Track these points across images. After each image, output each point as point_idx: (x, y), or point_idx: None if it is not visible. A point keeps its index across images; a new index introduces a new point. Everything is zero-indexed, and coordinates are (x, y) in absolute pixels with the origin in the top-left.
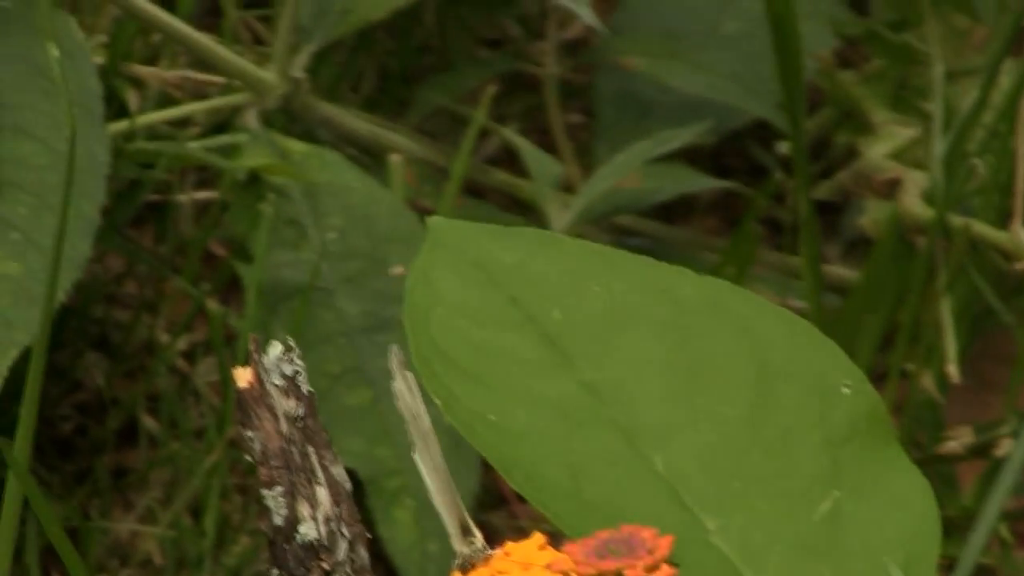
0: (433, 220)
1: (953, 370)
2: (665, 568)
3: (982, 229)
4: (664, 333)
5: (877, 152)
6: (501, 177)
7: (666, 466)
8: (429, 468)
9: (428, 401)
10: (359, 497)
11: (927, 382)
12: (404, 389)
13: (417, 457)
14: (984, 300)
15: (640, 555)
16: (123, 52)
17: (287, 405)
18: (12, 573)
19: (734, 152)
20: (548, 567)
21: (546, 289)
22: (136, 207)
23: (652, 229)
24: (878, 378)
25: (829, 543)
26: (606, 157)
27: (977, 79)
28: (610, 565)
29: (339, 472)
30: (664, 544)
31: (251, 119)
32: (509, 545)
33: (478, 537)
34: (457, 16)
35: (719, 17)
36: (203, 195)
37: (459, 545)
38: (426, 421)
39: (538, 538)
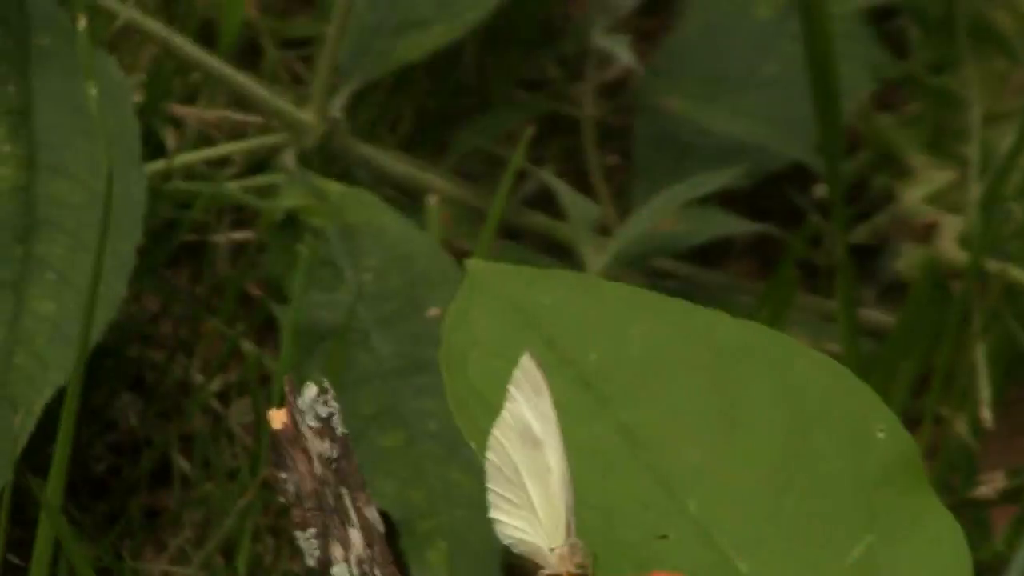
0: (471, 262)
1: (987, 415)
2: None
3: (1018, 274)
4: (700, 377)
5: (914, 196)
6: (538, 219)
7: (700, 509)
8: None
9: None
10: (392, 539)
11: (961, 427)
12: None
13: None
14: (1019, 345)
15: None
16: (162, 91)
17: (321, 447)
18: None
19: (771, 195)
20: None
21: (583, 332)
22: (172, 247)
23: (688, 272)
24: (912, 422)
25: None
26: (643, 200)
27: (1015, 122)
28: None
29: (372, 514)
30: None
31: (289, 159)
32: None
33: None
34: (496, 57)
35: (758, 60)
36: (240, 236)
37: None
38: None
39: None
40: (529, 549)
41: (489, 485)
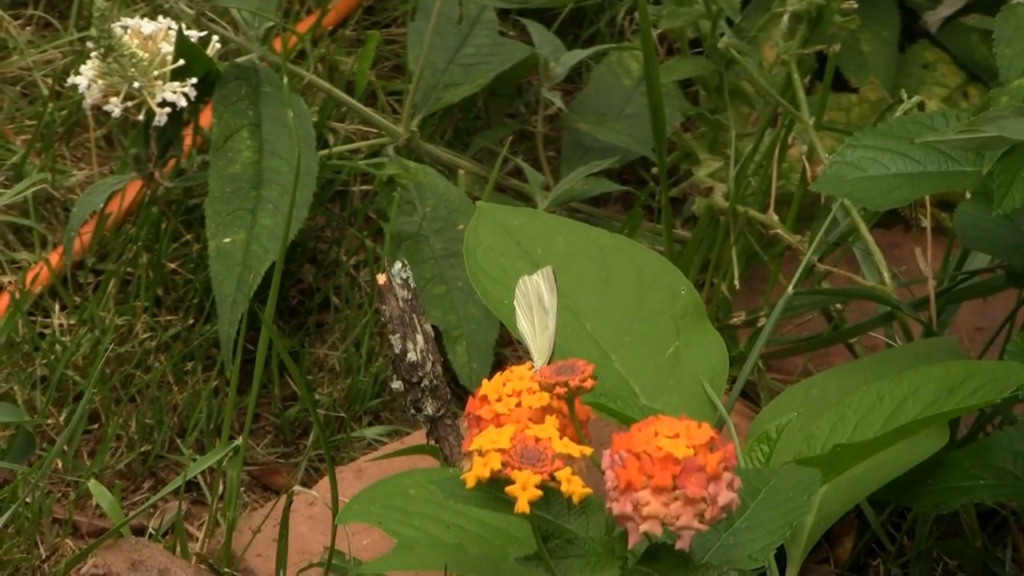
0: (480, 203)
1: (737, 283)
2: (590, 381)
3: (754, 213)
4: (592, 262)
5: (702, 173)
6: (514, 183)
7: (592, 327)
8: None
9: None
10: (438, 340)
11: (723, 289)
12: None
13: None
14: (753, 248)
15: (577, 374)
16: (326, 115)
17: (402, 293)
18: (264, 375)
19: (630, 172)
20: (531, 378)
21: (534, 238)
22: (331, 193)
23: (588, 210)
24: (699, 287)
25: (673, 369)
26: (567, 173)
27: (752, 138)
28: (561, 379)
29: (428, 328)
30: (589, 368)
31: (390, 151)
32: (513, 367)
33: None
34: (493, 101)
35: (624, 105)
36: (365, 187)
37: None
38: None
39: (528, 364)
40: (526, 348)
41: (516, 304)
